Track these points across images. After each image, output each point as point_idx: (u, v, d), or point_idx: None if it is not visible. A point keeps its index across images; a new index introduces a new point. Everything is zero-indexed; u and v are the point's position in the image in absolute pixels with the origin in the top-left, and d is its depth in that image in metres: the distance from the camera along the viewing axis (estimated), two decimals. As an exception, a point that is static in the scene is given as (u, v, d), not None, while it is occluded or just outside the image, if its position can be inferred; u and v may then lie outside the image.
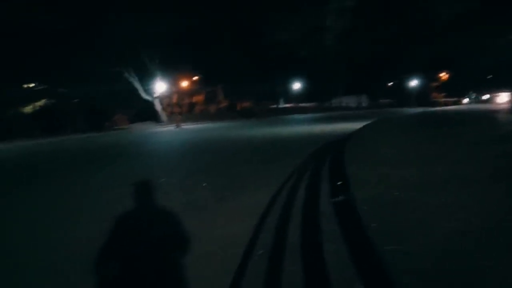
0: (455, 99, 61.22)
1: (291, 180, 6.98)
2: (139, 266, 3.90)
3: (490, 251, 3.23)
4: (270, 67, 44.69)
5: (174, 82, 42.29)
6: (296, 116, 40.66)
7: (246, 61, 41.65)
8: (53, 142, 24.41)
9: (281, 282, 3.24)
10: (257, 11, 38.71)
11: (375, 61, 47.89)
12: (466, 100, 61.79)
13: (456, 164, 6.52)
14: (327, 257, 3.48)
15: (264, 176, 7.96)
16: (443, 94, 63.18)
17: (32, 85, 36.07)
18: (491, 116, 18.14)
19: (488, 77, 57.89)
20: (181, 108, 44.89)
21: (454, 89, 60.71)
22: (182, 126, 32.20)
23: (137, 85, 37.99)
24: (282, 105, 58.99)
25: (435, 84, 62.58)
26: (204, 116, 42.98)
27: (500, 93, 46.33)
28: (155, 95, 39.34)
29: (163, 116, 39.76)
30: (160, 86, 38.88)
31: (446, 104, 54.80)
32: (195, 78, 47.45)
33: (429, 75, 58.71)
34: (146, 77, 37.90)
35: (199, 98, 48.62)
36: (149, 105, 39.76)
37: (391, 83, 64.36)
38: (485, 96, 56.26)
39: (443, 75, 61.99)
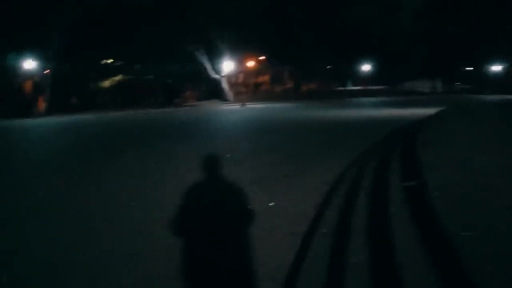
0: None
1: (358, 163, 6.86)
2: (207, 236, 4.13)
3: None
4: (339, 47, 43.05)
5: (241, 61, 42.76)
6: (365, 99, 39.17)
7: (315, 41, 40.63)
8: (130, 115, 26.15)
9: (344, 262, 3.21)
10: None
11: (453, 43, 43.98)
12: None
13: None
14: (395, 242, 3.40)
15: (329, 157, 7.89)
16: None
17: (110, 61, 38.57)
18: None
19: None
20: (246, 87, 45.43)
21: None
22: (247, 105, 32.65)
23: (207, 64, 39.01)
24: (350, 87, 57.09)
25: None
26: (269, 96, 43.10)
27: None
28: (222, 74, 40.18)
29: (229, 94, 40.60)
30: (227, 66, 39.58)
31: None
32: (262, 58, 47.50)
33: (512, 60, 52.94)
34: (215, 56, 38.75)
35: (264, 78, 48.75)
36: (217, 83, 40.76)
37: (469, 67, 59.12)
38: None
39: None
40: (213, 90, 40.89)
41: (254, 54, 44.26)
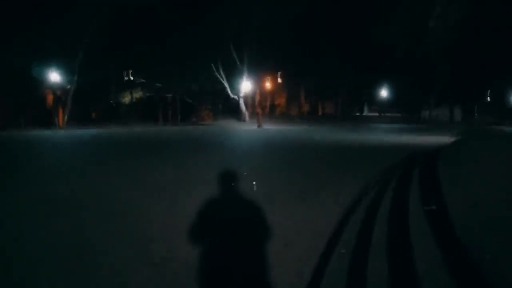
0: None
1: (376, 185, 6.76)
2: (222, 250, 4.11)
3: None
4: (358, 72, 43.03)
5: (258, 82, 43.29)
6: (382, 125, 38.97)
7: (334, 64, 40.81)
8: (147, 131, 26.54)
9: (364, 281, 3.14)
10: (355, 5, 37.31)
11: (476, 72, 43.28)
12: None
13: None
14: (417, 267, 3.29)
15: (346, 178, 7.82)
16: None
17: (131, 77, 39.50)
18: None
19: None
20: (263, 108, 45.81)
21: None
22: (263, 126, 32.82)
23: (225, 83, 39.61)
24: (367, 112, 56.97)
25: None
26: (284, 118, 43.34)
27: None
28: (240, 94, 40.66)
29: (246, 115, 40.93)
30: (245, 86, 40.09)
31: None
32: (279, 80, 48.05)
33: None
34: (233, 77, 39.33)
35: (281, 100, 49.16)
36: (234, 103, 41.22)
37: (490, 98, 58.24)
38: None
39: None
40: (230, 110, 41.35)
41: (271, 76, 44.74)
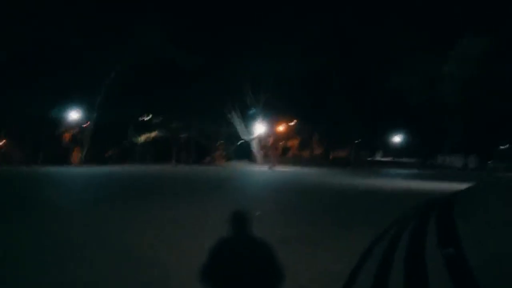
0: None
1: (392, 229, 6.63)
2: None
3: None
4: (371, 117, 43.29)
5: (271, 125, 43.81)
6: (394, 170, 38.55)
7: (347, 109, 41.23)
8: (164, 170, 26.78)
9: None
10: (371, 56, 38.14)
11: (491, 120, 42.85)
12: None
13: None
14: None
15: (361, 222, 7.70)
16: None
17: (148, 117, 40.41)
18: None
19: None
20: (275, 150, 45.98)
21: None
22: (276, 168, 32.81)
23: (239, 125, 40.16)
24: (379, 157, 56.62)
25: None
26: (297, 161, 43.28)
27: None
28: (253, 136, 41.06)
29: (259, 156, 41.09)
30: (258, 128, 40.55)
31: None
32: (292, 123, 48.54)
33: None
34: (247, 119, 39.97)
35: (293, 142, 49.39)
36: (247, 145, 41.55)
37: (504, 146, 57.45)
38: None
39: None
40: (243, 151, 41.64)
41: (285, 118, 45.31)
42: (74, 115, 33.61)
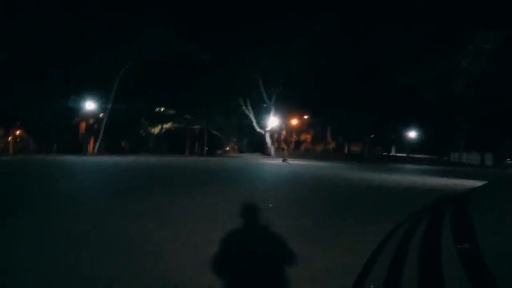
0: None
1: (405, 225, 6.53)
2: (245, 281, 4.02)
3: None
4: (386, 111, 42.68)
5: (285, 118, 43.71)
6: (409, 166, 38.01)
7: (361, 103, 40.77)
8: (178, 161, 27.00)
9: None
10: (383, 50, 37.59)
11: (508, 115, 41.76)
12: None
13: None
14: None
15: (376, 215, 7.61)
16: None
17: (162, 109, 40.78)
18: None
19: None
20: (288, 144, 45.91)
21: None
22: (288, 161, 32.73)
23: (252, 118, 40.17)
24: (393, 153, 56.00)
25: None
26: (309, 154, 43.14)
27: None
28: (266, 129, 41.04)
29: (272, 149, 41.10)
30: (272, 121, 40.51)
31: None
32: (305, 116, 48.33)
33: None
34: (261, 112, 39.94)
35: (307, 136, 49.24)
36: (260, 137, 41.58)
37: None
38: None
39: None
40: (256, 144, 41.72)
41: (298, 112, 45.10)
42: (90, 105, 34.06)
